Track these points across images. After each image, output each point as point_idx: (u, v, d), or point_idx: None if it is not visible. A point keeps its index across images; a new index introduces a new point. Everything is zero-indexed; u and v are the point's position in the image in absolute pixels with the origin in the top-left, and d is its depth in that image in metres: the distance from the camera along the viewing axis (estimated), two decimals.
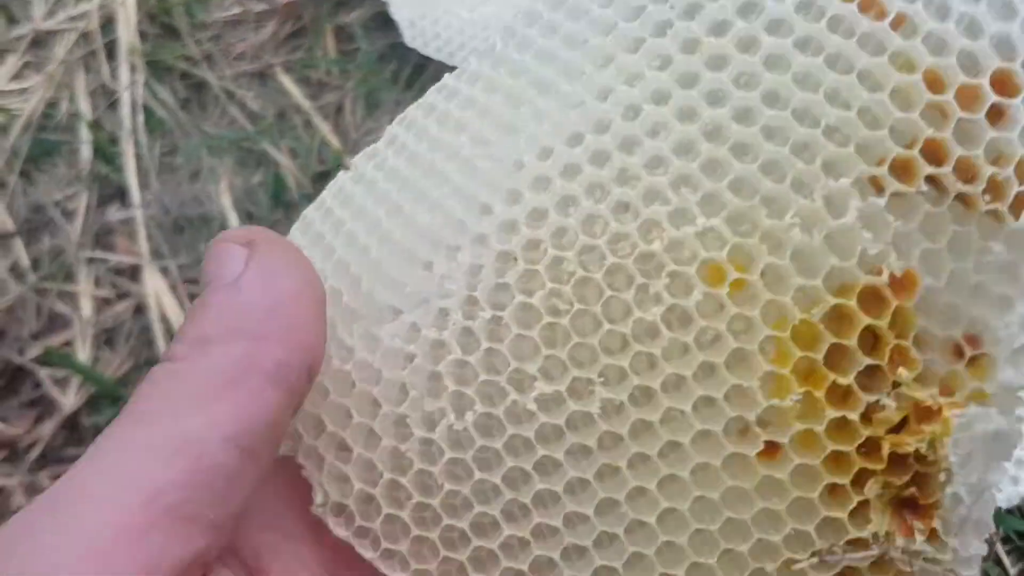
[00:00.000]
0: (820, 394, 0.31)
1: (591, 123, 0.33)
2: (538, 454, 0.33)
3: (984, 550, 0.32)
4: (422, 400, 0.34)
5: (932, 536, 0.31)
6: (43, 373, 0.81)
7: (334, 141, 0.88)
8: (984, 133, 0.31)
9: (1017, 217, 0.31)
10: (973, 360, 0.32)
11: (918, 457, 0.31)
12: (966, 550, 0.32)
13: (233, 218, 0.85)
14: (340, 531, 0.35)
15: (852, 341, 0.31)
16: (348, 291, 0.35)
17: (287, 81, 0.91)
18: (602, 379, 0.32)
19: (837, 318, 0.32)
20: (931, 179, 0.31)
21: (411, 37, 0.87)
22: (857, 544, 0.32)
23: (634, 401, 0.33)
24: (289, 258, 0.33)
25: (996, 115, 0.31)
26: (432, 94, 0.38)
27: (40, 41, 0.92)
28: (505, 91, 0.35)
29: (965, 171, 0.31)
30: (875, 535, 0.32)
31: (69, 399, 0.80)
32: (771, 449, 0.32)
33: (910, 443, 0.31)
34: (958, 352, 0.32)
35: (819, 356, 0.31)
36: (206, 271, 0.33)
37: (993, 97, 0.31)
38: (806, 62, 0.32)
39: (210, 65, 0.92)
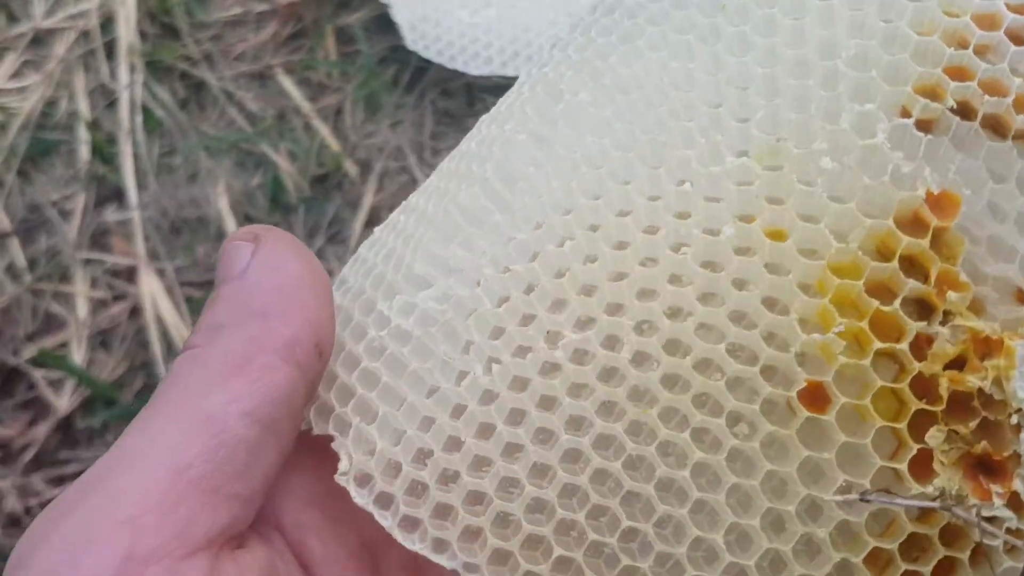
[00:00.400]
0: (864, 324, 0.29)
1: (623, 86, 0.34)
2: (567, 411, 0.32)
3: None
4: (451, 361, 0.33)
5: (1015, 502, 0.28)
6: (38, 375, 0.80)
7: (334, 143, 0.87)
8: (1006, 51, 0.30)
9: None
10: None
11: (984, 400, 0.29)
12: None
13: (230, 221, 0.85)
14: (361, 500, 0.34)
15: (893, 264, 0.29)
16: (391, 271, 0.36)
17: (287, 82, 0.90)
18: (631, 326, 0.31)
19: (876, 243, 0.30)
20: (959, 101, 0.30)
21: (412, 40, 0.87)
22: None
23: (665, 349, 0.31)
24: (292, 247, 0.35)
25: (1016, 35, 0.31)
26: (490, 111, 0.39)
27: (40, 40, 0.92)
28: (545, 82, 0.36)
29: (992, 88, 0.30)
30: (942, 492, 0.29)
31: (63, 401, 0.79)
32: (814, 390, 0.30)
33: (972, 380, 0.28)
34: (1020, 296, 0.30)
35: (859, 283, 0.29)
36: (218, 271, 0.35)
37: (1010, 16, 0.31)
38: (823, 4, 0.32)
39: (210, 65, 0.91)
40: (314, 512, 0.36)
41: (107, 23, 0.91)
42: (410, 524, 0.34)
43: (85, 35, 0.91)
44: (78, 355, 0.81)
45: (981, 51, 0.31)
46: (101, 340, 0.82)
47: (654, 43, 0.34)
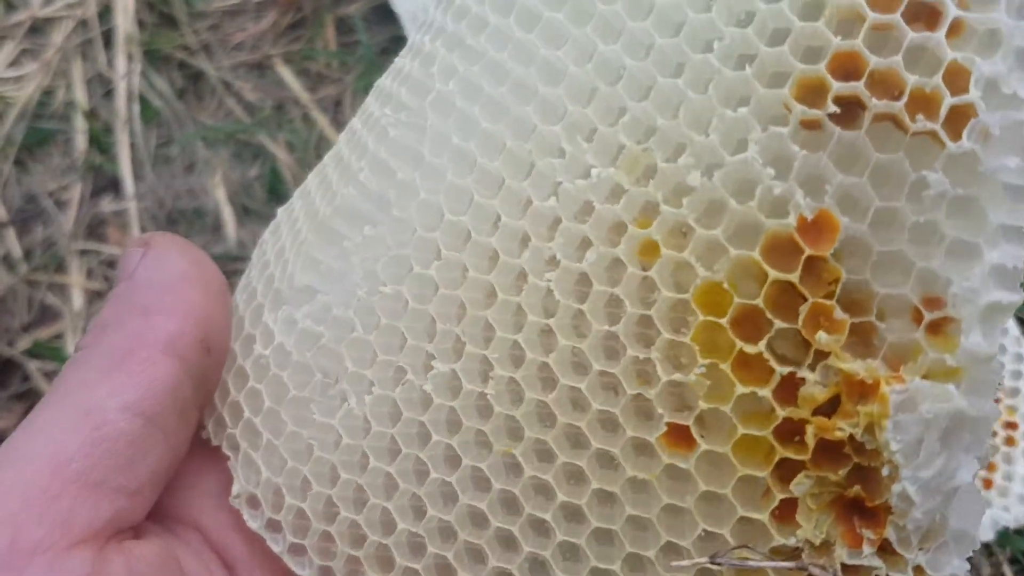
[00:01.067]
0: (726, 366, 0.27)
1: (501, 77, 0.31)
2: (432, 438, 0.31)
3: (964, 570, 0.27)
4: (329, 385, 0.33)
5: (885, 548, 0.26)
6: (32, 366, 0.79)
7: (332, 135, 0.86)
8: (903, 36, 0.26)
9: (956, 137, 0.25)
10: (935, 326, 0.26)
11: (856, 447, 0.26)
12: (938, 568, 0.27)
13: (227, 212, 0.84)
14: (253, 524, 0.34)
15: (758, 301, 0.26)
16: (279, 275, 0.35)
17: (286, 73, 0.89)
18: (497, 356, 0.30)
19: (744, 273, 0.27)
20: (844, 99, 0.26)
21: (413, 30, 0.85)
22: (783, 555, 0.27)
23: (528, 381, 0.30)
24: (181, 248, 0.35)
25: (916, 14, 0.26)
26: (383, 77, 0.36)
27: (38, 28, 0.91)
28: (423, 57, 0.33)
29: (883, 84, 0.26)
30: (806, 542, 0.27)
31: None
32: (676, 433, 0.28)
33: (842, 427, 0.26)
34: (917, 316, 0.26)
35: (724, 320, 0.27)
36: (117, 276, 0.35)
37: None
38: None
39: (208, 55, 0.90)
40: (231, 512, 0.36)
41: (105, 12, 0.90)
42: (297, 550, 0.34)
43: (83, 24, 0.90)
44: (73, 346, 0.80)
45: (877, 30, 0.26)
46: None
47: (525, 21, 0.30)
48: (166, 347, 0.33)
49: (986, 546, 0.70)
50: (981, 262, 0.26)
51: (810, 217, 0.26)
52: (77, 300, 0.82)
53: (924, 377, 0.26)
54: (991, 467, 0.68)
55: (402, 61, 0.35)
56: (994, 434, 0.69)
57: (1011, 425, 0.69)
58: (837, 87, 0.26)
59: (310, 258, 0.34)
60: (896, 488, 0.25)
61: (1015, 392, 0.69)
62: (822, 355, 0.26)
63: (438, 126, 0.31)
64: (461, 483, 0.31)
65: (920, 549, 0.26)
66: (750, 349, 0.27)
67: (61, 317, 0.81)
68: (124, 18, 0.89)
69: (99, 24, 0.90)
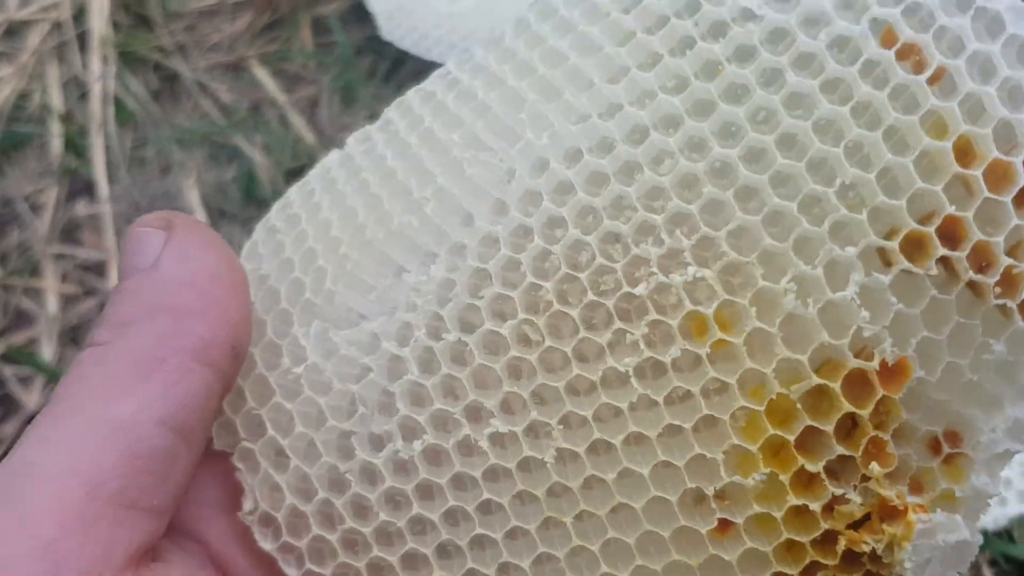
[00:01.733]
0: (785, 478, 0.29)
1: (593, 141, 0.31)
2: (483, 495, 0.31)
3: None
4: (371, 419, 0.32)
5: None
6: (7, 372, 0.79)
7: (309, 136, 0.85)
8: (1008, 219, 0.28)
9: None
10: (950, 459, 0.30)
11: (872, 557, 0.29)
12: None
13: (203, 215, 0.83)
14: (266, 544, 0.33)
15: (829, 426, 0.29)
16: (311, 285, 0.33)
17: (262, 74, 0.89)
18: (562, 426, 0.31)
19: (817, 398, 0.29)
20: (943, 261, 0.28)
21: (388, 30, 0.85)
22: None
23: (592, 454, 0.31)
24: (207, 239, 0.32)
25: (1018, 200, 0.28)
26: (433, 80, 0.35)
27: (13, 31, 0.90)
28: (506, 91, 0.32)
29: (981, 258, 0.28)
30: None
31: (33, 398, 0.78)
32: (724, 527, 0.30)
33: (868, 542, 0.29)
34: (935, 448, 0.30)
35: (791, 436, 0.29)
36: (124, 258, 0.32)
37: None
38: (831, 109, 0.29)
39: (183, 56, 0.89)
40: (236, 525, 0.34)
41: (80, 14, 0.90)
42: None
43: (58, 26, 0.90)
44: (48, 351, 0.80)
45: (983, 208, 0.28)
46: (71, 336, 0.81)
47: (634, 86, 0.31)
48: (199, 355, 0.30)
49: None
50: (1004, 416, 0.29)
51: (891, 363, 0.29)
52: (52, 304, 0.81)
53: (932, 502, 0.30)
54: None
55: (471, 82, 0.33)
56: None
57: None
58: (942, 252, 0.28)
59: (358, 280, 0.33)
60: None
61: None
62: (865, 478, 0.29)
63: (526, 176, 0.31)
64: (505, 541, 0.31)
65: None
66: (811, 467, 0.29)
67: (36, 322, 0.81)
68: (99, 20, 0.89)
69: (74, 27, 0.89)
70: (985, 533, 0.67)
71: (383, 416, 0.32)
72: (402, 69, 0.86)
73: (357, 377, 0.32)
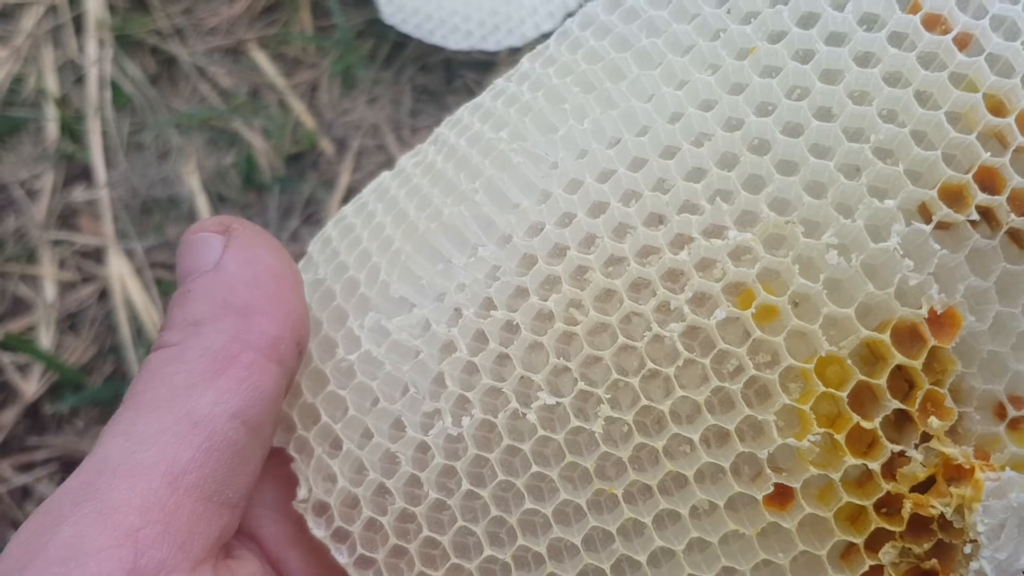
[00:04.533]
0: (841, 437, 0.29)
1: (632, 126, 0.32)
2: (532, 471, 0.31)
3: None
4: (421, 400, 0.32)
5: None
6: (5, 359, 0.78)
7: (309, 121, 0.84)
8: None
9: None
10: (1016, 423, 0.29)
11: (943, 524, 0.29)
12: None
13: (202, 200, 0.82)
14: (319, 532, 0.34)
15: (882, 380, 0.29)
16: (365, 281, 0.34)
17: (261, 58, 0.87)
18: (610, 396, 0.31)
19: (868, 354, 0.29)
20: (983, 210, 0.29)
21: (389, 13, 0.84)
22: None
23: (641, 426, 0.31)
24: (266, 239, 0.33)
25: None
26: (483, 95, 0.37)
27: (7, 14, 0.89)
28: (549, 89, 0.34)
29: (1021, 202, 0.29)
30: None
31: (31, 386, 0.77)
32: (781, 493, 0.29)
33: (936, 506, 0.28)
34: (1000, 412, 0.29)
35: (844, 394, 0.29)
36: (184, 262, 0.33)
37: None
38: (862, 76, 0.30)
39: (181, 40, 0.88)
40: (291, 525, 0.35)
41: None
42: (365, 563, 0.34)
43: (53, 9, 0.88)
44: (46, 339, 0.79)
45: (1019, 154, 0.29)
46: (69, 323, 0.80)
47: (667, 77, 0.32)
48: (269, 351, 0.31)
49: None
50: None
51: (940, 311, 0.29)
52: (49, 291, 0.80)
53: (1002, 467, 0.29)
54: None
55: (515, 88, 0.35)
56: None
57: None
58: (980, 198, 0.28)
59: (408, 271, 0.34)
60: (974, 565, 0.28)
61: None
62: (926, 437, 0.29)
63: (568, 163, 0.32)
64: (557, 515, 0.31)
65: None
66: (866, 424, 0.29)
67: (33, 309, 0.80)
68: (95, 3, 0.87)
69: (69, 9, 0.88)
70: None
71: (433, 396, 0.32)
72: (403, 53, 0.85)
73: (408, 360, 0.33)
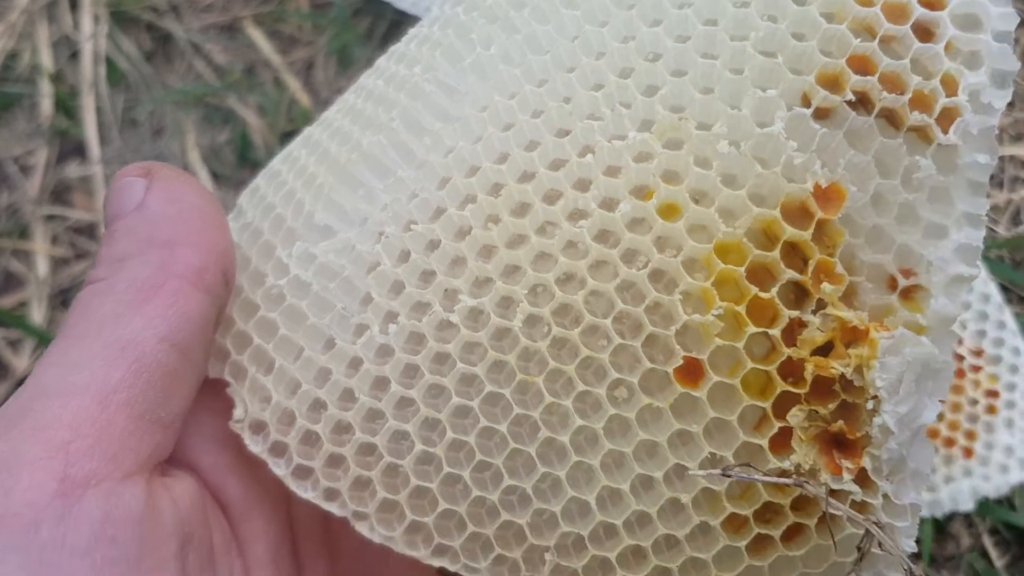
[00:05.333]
0: (741, 308, 0.31)
1: (535, 49, 0.34)
2: (460, 373, 0.33)
3: (921, 502, 0.31)
4: (350, 316, 0.34)
5: (861, 477, 0.31)
6: None
7: (304, 99, 0.84)
8: (910, 45, 0.31)
9: (946, 131, 0.31)
10: (907, 292, 0.31)
11: (844, 385, 0.30)
12: (900, 497, 0.31)
13: (204, 175, 0.82)
14: (256, 448, 0.35)
15: (774, 254, 0.31)
16: (291, 215, 0.36)
17: (257, 35, 0.87)
18: (525, 292, 0.32)
19: (765, 239, 0.31)
20: (858, 93, 0.31)
21: None
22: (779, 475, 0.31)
23: (556, 314, 0.32)
24: (187, 180, 0.35)
25: (922, 30, 0.31)
26: (400, 43, 0.39)
27: None
28: (458, 24, 0.36)
29: (891, 83, 0.31)
30: (797, 467, 0.31)
31: (23, 362, 0.77)
32: (691, 369, 0.31)
33: (835, 367, 0.30)
34: (892, 283, 0.31)
35: (742, 269, 0.31)
36: (110, 207, 0.34)
37: (919, 10, 0.31)
38: None
39: (177, 16, 0.88)
40: (229, 454, 0.36)
41: None
42: (303, 473, 0.35)
43: None
44: (38, 314, 0.78)
45: (888, 41, 0.31)
46: (61, 299, 0.80)
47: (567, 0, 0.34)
48: (194, 280, 0.32)
49: (966, 516, 0.69)
50: (949, 240, 0.31)
51: (824, 185, 0.31)
52: (42, 267, 0.80)
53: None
54: (972, 436, 0.67)
55: (427, 30, 0.37)
56: (975, 403, 0.68)
57: (992, 394, 0.68)
58: (854, 80, 0.31)
59: (331, 200, 0.35)
60: (877, 420, 0.30)
61: (996, 360, 0.68)
62: (822, 305, 0.31)
63: (477, 86, 0.34)
64: (482, 406, 0.33)
65: (887, 480, 0.31)
66: (763, 295, 0.31)
67: (26, 284, 0.80)
68: None
69: None
70: (986, 501, 0.67)
71: (361, 308, 0.34)
72: (400, 31, 0.85)
73: (335, 280, 0.34)
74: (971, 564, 0.67)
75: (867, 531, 0.30)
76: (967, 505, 0.66)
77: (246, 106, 0.84)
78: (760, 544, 0.32)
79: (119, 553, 0.28)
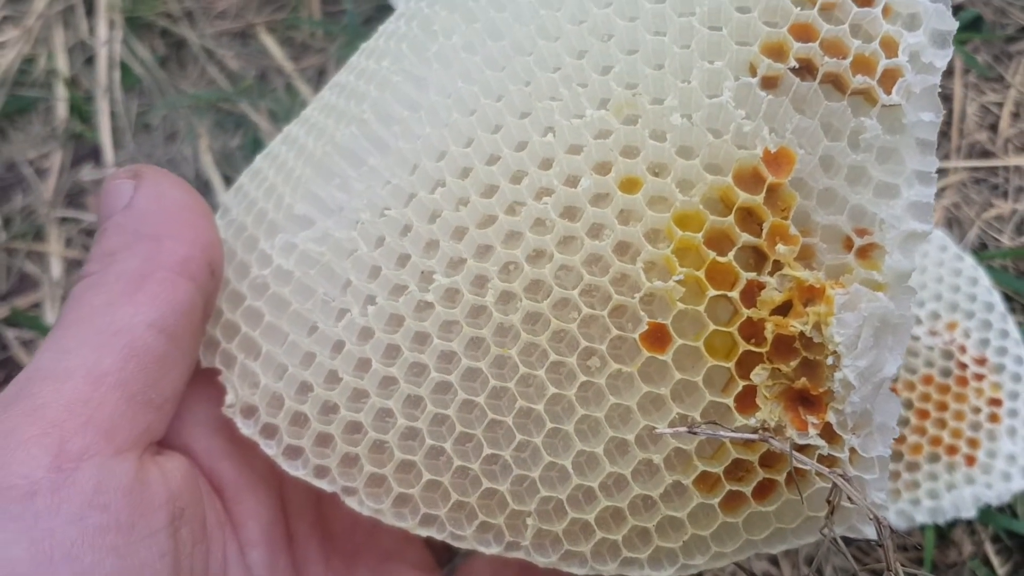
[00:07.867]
0: (700, 273, 0.32)
1: (494, 35, 0.35)
2: (436, 345, 0.34)
3: (888, 454, 0.32)
4: (331, 301, 0.35)
5: (827, 432, 0.32)
6: (10, 335, 0.79)
7: None
8: (849, 11, 0.32)
9: (888, 92, 0.32)
10: (863, 251, 0.32)
11: (805, 342, 0.31)
12: (867, 451, 0.32)
13: (217, 179, 0.83)
14: (247, 430, 0.36)
15: (730, 219, 0.32)
16: (273, 209, 0.37)
17: (269, 41, 0.88)
18: (496, 269, 0.34)
19: (722, 207, 0.32)
20: (802, 60, 0.32)
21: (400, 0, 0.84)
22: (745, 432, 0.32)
23: (528, 290, 0.33)
24: (173, 179, 0.36)
25: None
26: (371, 39, 0.41)
27: None
28: (422, 17, 0.37)
29: (833, 48, 0.32)
30: (763, 424, 0.31)
31: None
32: (657, 335, 0.32)
33: (795, 325, 0.31)
34: (848, 244, 0.32)
35: (699, 235, 0.32)
36: (101, 209, 0.36)
37: None
38: None
39: (190, 23, 0.89)
40: (222, 439, 0.37)
41: None
42: (293, 452, 0.36)
43: None
44: (51, 315, 0.79)
45: (827, 8, 0.32)
46: None
47: None
48: (180, 269, 0.34)
49: (968, 524, 0.69)
50: (901, 199, 0.32)
51: (773, 150, 0.32)
52: (56, 269, 0.81)
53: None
54: (975, 444, 0.67)
55: (394, 25, 0.39)
56: (978, 411, 0.68)
57: (995, 402, 0.68)
58: (796, 47, 0.32)
59: (309, 192, 0.36)
60: (838, 375, 0.31)
61: (1000, 368, 0.68)
62: (778, 266, 0.32)
63: (442, 74, 0.35)
64: (460, 381, 0.34)
65: (853, 434, 0.32)
66: (721, 259, 0.32)
67: (40, 286, 0.81)
68: None
69: None
70: (988, 508, 0.67)
71: (341, 293, 0.35)
72: None
73: (315, 267, 0.35)
74: (973, 571, 0.68)
75: (834, 484, 0.31)
76: (969, 513, 0.66)
77: (258, 111, 0.85)
78: (733, 501, 0.33)
79: (111, 520, 0.30)
